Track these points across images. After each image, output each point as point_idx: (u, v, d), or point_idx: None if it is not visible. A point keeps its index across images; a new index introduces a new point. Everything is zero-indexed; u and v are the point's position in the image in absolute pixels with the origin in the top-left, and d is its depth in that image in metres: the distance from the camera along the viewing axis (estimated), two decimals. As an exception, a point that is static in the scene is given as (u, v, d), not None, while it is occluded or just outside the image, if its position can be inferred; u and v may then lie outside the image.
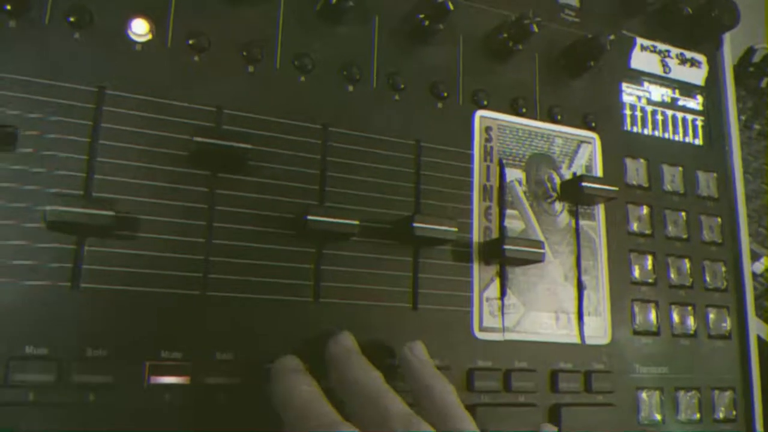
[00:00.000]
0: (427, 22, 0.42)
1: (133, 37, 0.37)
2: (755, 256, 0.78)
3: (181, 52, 0.38)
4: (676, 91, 0.54)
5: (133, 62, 0.36)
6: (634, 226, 0.49)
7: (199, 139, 0.34)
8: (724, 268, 0.52)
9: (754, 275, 0.75)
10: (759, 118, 1.02)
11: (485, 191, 0.44)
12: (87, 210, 0.32)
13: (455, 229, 0.40)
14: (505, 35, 0.45)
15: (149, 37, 0.37)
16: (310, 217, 0.36)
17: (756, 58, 1.11)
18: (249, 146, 0.36)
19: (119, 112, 0.35)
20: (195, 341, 0.35)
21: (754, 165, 0.94)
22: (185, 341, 0.35)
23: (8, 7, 0.34)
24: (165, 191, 0.36)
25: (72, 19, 0.35)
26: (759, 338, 0.67)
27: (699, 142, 0.54)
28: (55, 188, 0.33)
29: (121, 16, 0.37)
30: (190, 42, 0.38)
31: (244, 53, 0.39)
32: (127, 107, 0.36)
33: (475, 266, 0.43)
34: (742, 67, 1.12)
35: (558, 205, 0.46)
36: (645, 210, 0.49)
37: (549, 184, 0.46)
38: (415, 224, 0.39)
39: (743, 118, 1.01)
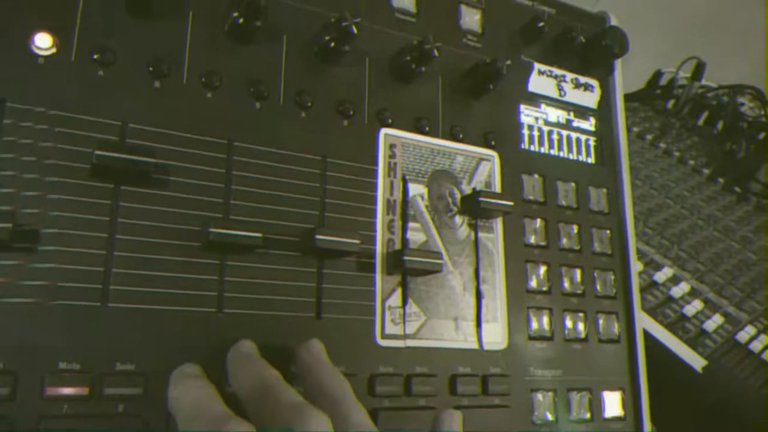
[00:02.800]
0: (333, 44, 0.44)
1: (36, 51, 0.37)
2: (657, 267, 0.83)
3: (85, 66, 0.38)
4: (571, 113, 0.58)
5: (36, 75, 0.37)
6: (531, 239, 0.52)
7: (99, 152, 0.35)
8: (613, 277, 0.56)
9: (656, 284, 0.81)
10: (665, 137, 1.09)
11: (389, 205, 0.46)
12: (-18, 222, 0.32)
13: (358, 241, 0.42)
14: (409, 58, 0.47)
15: (53, 50, 0.37)
16: (212, 229, 0.37)
17: (663, 81, 1.18)
18: (152, 160, 0.37)
19: (19, 125, 0.36)
20: (94, 352, 0.35)
21: (659, 181, 1.00)
22: (84, 352, 0.35)
23: None
24: (66, 204, 0.36)
25: (-27, 32, 0.35)
26: (653, 339, 0.72)
27: (591, 160, 0.58)
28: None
29: (25, 29, 0.37)
30: (95, 56, 0.38)
31: (151, 69, 0.40)
32: (28, 120, 0.36)
33: (378, 276, 0.45)
34: (649, 89, 1.20)
35: (458, 219, 0.49)
36: (540, 223, 0.53)
37: (450, 199, 0.49)
38: (318, 236, 0.40)
39: (650, 137, 1.08)
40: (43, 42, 0.37)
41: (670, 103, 1.17)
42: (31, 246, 0.35)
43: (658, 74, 1.19)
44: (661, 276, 0.81)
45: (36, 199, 0.35)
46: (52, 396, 0.34)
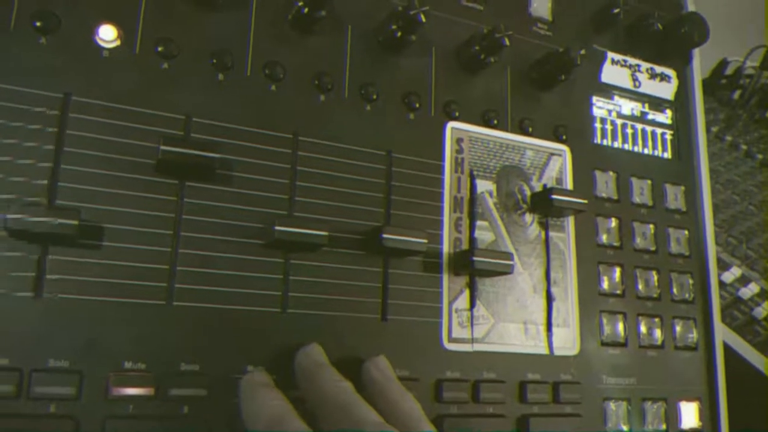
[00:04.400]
0: (399, 33, 0.43)
1: (101, 44, 0.36)
2: (725, 266, 0.79)
3: (149, 59, 0.37)
4: (646, 105, 0.55)
5: (101, 69, 0.36)
6: (603, 238, 0.49)
7: (165, 147, 0.34)
8: (691, 280, 0.53)
9: (723, 285, 0.76)
10: (731, 129, 1.04)
11: (456, 202, 0.44)
12: (50, 219, 0.31)
13: (425, 241, 0.40)
14: (477, 48, 0.45)
15: (117, 43, 0.37)
16: (278, 228, 0.36)
17: (728, 71, 1.13)
18: (217, 155, 0.36)
19: (85, 119, 0.35)
20: (159, 352, 0.34)
21: (725, 176, 0.95)
22: (149, 352, 0.34)
23: (-28, 12, 0.33)
24: (131, 200, 0.35)
25: (38, 24, 0.35)
26: (727, 347, 0.68)
27: (668, 155, 0.55)
28: (16, 195, 0.33)
29: (89, 21, 0.36)
30: (159, 49, 0.37)
31: (214, 61, 0.39)
32: (93, 114, 0.35)
33: (445, 277, 0.43)
34: (714, 78, 1.14)
35: (528, 217, 0.47)
36: (614, 222, 0.50)
37: (519, 196, 0.47)
38: (385, 235, 0.39)
39: (714, 129, 1.03)
40: (108, 34, 0.36)
41: (737, 94, 1.11)
42: (96, 243, 0.34)
43: (723, 63, 1.14)
44: (728, 276, 0.77)
45: (101, 194, 0.35)
46: (118, 396, 0.33)
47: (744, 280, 0.77)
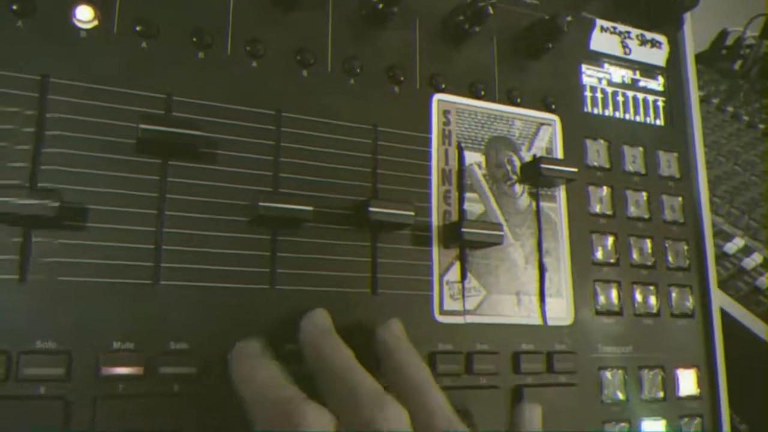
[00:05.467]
0: (381, 5, 0.42)
1: (78, 24, 0.36)
2: (727, 237, 0.78)
3: (128, 38, 0.37)
4: (637, 72, 0.54)
5: (79, 50, 0.36)
6: (596, 207, 0.49)
7: (144, 126, 0.34)
8: (686, 247, 0.52)
9: (726, 255, 0.76)
10: (732, 100, 1.03)
11: (444, 175, 0.44)
12: (30, 200, 0.31)
13: (412, 213, 0.40)
14: (462, 18, 0.44)
15: (95, 23, 0.36)
16: (262, 204, 0.36)
17: (728, 41, 1.11)
18: (199, 133, 0.35)
19: (64, 101, 0.35)
20: (147, 331, 0.34)
21: (726, 147, 0.94)
22: (137, 331, 0.34)
23: (-54, -5, 0.33)
24: (113, 180, 0.35)
25: (15, 7, 0.35)
26: (728, 316, 0.67)
27: (660, 122, 0.54)
28: (-2, 179, 0.33)
29: (66, 2, 0.36)
30: (138, 28, 0.37)
31: (194, 39, 0.38)
32: (72, 95, 0.35)
33: (435, 250, 0.43)
34: (714, 50, 1.13)
35: (518, 188, 0.46)
36: (606, 191, 0.50)
37: (509, 167, 0.46)
38: (371, 209, 0.38)
39: (716, 101, 1.02)
40: (85, 15, 0.36)
41: (737, 64, 1.10)
42: (80, 224, 0.34)
43: (723, 34, 1.12)
44: (731, 247, 0.76)
45: (82, 175, 0.34)
46: (107, 376, 0.33)
47: (747, 251, 0.76)
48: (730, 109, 1.01)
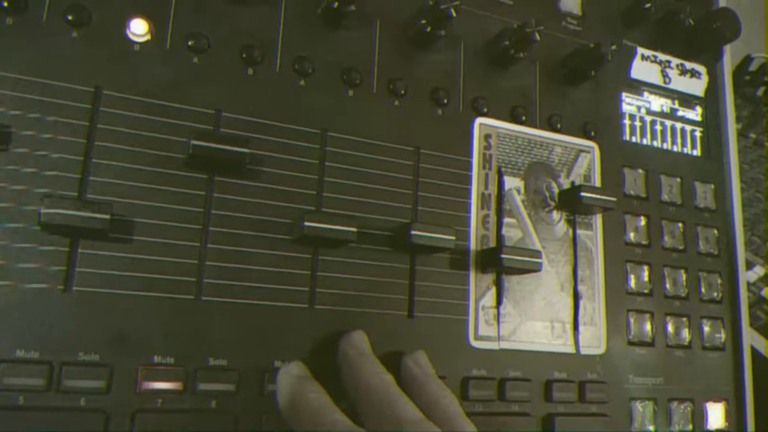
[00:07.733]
0: (428, 28, 0.42)
1: (132, 37, 0.36)
2: (749, 265, 0.78)
3: (179, 53, 0.37)
4: (676, 101, 0.54)
5: (131, 62, 0.36)
6: (631, 236, 0.49)
7: (196, 142, 0.34)
8: (719, 280, 0.52)
9: (747, 284, 0.75)
10: (755, 126, 1.02)
11: (483, 199, 0.44)
12: (81, 212, 0.31)
13: (453, 237, 0.40)
14: (507, 43, 0.44)
15: (148, 37, 0.37)
16: (307, 223, 0.36)
17: (752, 67, 1.11)
18: (247, 150, 0.35)
19: (116, 113, 0.35)
20: (188, 346, 0.34)
21: (749, 174, 0.94)
22: (178, 346, 0.34)
23: (5, 4, 0.33)
24: (161, 194, 0.35)
25: (70, 18, 0.35)
26: (752, 349, 0.67)
27: (697, 152, 0.54)
28: (48, 189, 0.33)
29: (120, 15, 0.36)
30: (189, 43, 0.37)
31: (244, 55, 0.38)
32: (123, 108, 0.35)
33: (472, 274, 0.42)
34: (738, 75, 1.12)
35: (556, 214, 0.46)
36: (642, 220, 0.49)
37: (547, 193, 0.46)
38: (413, 232, 0.38)
39: (739, 126, 1.02)
40: (139, 28, 0.36)
41: (761, 90, 1.09)
42: (125, 236, 0.34)
43: (747, 59, 1.12)
44: (751, 275, 0.76)
45: (129, 188, 0.35)
46: (147, 390, 0.33)
47: (767, 280, 0.76)
48: (752, 135, 1.01)
